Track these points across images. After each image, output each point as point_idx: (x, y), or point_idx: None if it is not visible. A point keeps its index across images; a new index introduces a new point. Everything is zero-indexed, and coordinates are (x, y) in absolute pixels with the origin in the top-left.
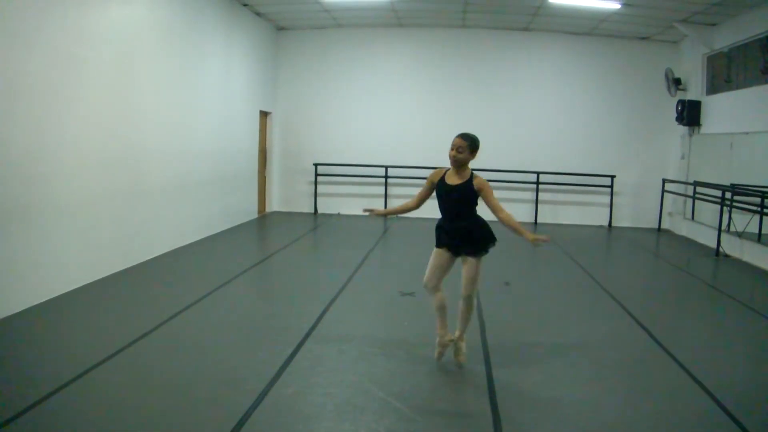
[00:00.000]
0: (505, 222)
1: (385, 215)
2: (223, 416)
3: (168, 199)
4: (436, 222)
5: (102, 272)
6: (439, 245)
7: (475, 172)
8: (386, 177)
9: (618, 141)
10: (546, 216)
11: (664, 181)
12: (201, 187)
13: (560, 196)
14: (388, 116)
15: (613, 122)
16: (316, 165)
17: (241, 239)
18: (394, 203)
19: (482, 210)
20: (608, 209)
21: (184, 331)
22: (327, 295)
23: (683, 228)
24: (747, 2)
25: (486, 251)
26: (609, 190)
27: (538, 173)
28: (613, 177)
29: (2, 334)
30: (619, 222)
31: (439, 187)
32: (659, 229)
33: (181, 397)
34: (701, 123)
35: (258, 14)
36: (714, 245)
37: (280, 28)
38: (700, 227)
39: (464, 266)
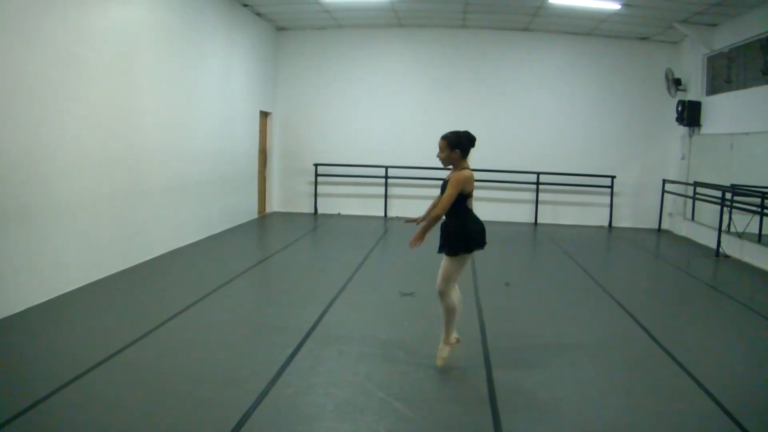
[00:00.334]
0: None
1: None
2: (224, 416)
3: (168, 200)
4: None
5: (102, 272)
6: None
7: (467, 169)
8: (386, 177)
9: (618, 141)
10: (546, 216)
11: (664, 181)
12: (201, 187)
13: (560, 197)
14: (388, 116)
15: (613, 123)
16: (316, 165)
17: (241, 239)
18: (395, 203)
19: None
20: (608, 209)
21: (184, 332)
22: (327, 295)
23: (683, 228)
24: (747, 2)
25: (452, 254)
26: (609, 190)
27: (538, 173)
28: (613, 177)
29: (2, 334)
30: (620, 222)
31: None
32: (659, 229)
33: (181, 397)
34: (701, 123)
35: (258, 14)
36: (714, 246)
37: (280, 29)
38: (701, 228)
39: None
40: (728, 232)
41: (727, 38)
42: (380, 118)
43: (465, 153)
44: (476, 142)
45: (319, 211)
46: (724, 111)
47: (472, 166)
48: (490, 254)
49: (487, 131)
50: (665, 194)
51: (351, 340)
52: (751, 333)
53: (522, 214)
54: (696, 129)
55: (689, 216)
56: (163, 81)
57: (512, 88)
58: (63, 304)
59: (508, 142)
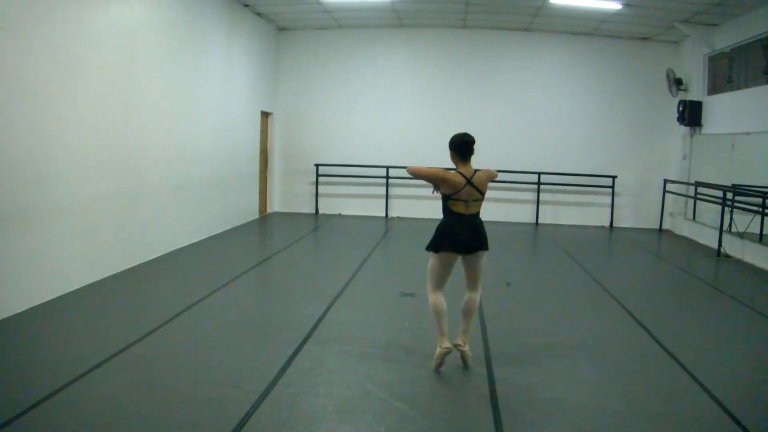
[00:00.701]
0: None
1: None
2: (224, 416)
3: (169, 200)
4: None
5: (103, 273)
6: None
7: (457, 171)
8: (387, 177)
9: (619, 141)
10: (547, 216)
11: (665, 181)
12: (202, 187)
13: (561, 197)
14: (388, 116)
15: (614, 123)
16: (317, 165)
17: (242, 240)
18: (396, 204)
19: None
20: (609, 210)
21: (185, 332)
22: (328, 295)
23: (684, 228)
24: (748, 2)
25: (427, 248)
26: (610, 190)
27: (539, 174)
28: (614, 177)
29: (2, 334)
30: (620, 222)
31: None
32: (660, 229)
33: (182, 397)
34: (702, 123)
35: (259, 15)
36: (715, 246)
37: (281, 29)
38: (702, 228)
39: None
40: (729, 232)
41: (728, 38)
42: (381, 118)
43: (458, 154)
44: (472, 145)
45: (320, 211)
46: (725, 111)
47: (475, 167)
48: (491, 254)
49: (488, 131)
50: (666, 194)
51: (352, 341)
52: (751, 333)
53: (523, 214)
54: (697, 129)
55: (690, 216)
56: (163, 81)
57: (513, 88)
58: (63, 305)
59: (508, 142)
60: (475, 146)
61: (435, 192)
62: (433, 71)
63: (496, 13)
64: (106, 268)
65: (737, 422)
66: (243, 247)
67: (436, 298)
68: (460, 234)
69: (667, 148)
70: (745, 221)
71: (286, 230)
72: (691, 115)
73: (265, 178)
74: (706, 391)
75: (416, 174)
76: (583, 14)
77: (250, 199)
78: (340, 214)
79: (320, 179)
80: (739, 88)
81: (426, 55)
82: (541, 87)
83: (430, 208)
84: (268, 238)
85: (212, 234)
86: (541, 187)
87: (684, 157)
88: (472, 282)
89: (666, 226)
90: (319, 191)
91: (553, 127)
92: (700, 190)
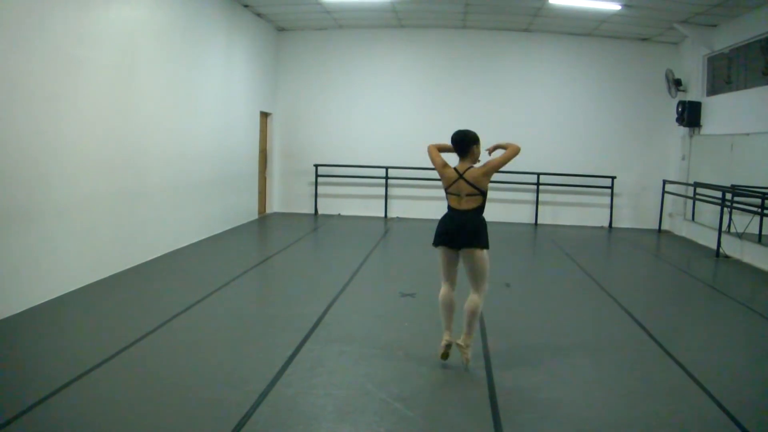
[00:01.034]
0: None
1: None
2: (224, 417)
3: (168, 200)
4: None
5: (102, 273)
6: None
7: (456, 166)
8: (386, 178)
9: (618, 142)
10: (546, 217)
11: (664, 182)
12: (201, 188)
13: (561, 197)
14: (388, 117)
15: (613, 123)
16: (316, 166)
17: (241, 240)
18: (395, 204)
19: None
20: (608, 210)
21: (185, 332)
22: (327, 296)
23: (683, 229)
24: (747, 3)
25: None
26: (609, 191)
27: (538, 174)
28: (613, 178)
29: (2, 334)
30: (620, 223)
31: None
32: (660, 230)
33: (182, 397)
34: (701, 124)
35: (258, 15)
36: (714, 246)
37: (281, 29)
38: (701, 228)
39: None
40: (728, 232)
41: (727, 39)
42: (380, 118)
43: (456, 150)
44: (467, 143)
45: (320, 211)
46: (724, 111)
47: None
48: (491, 255)
49: (487, 131)
50: (665, 195)
51: (351, 341)
52: (751, 333)
53: (522, 214)
54: (696, 129)
55: (689, 216)
56: (163, 82)
57: (512, 89)
58: (63, 305)
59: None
60: (472, 144)
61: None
62: (432, 71)
63: (496, 14)
64: (105, 268)
65: (736, 422)
66: (242, 247)
67: (442, 292)
68: (448, 227)
69: (666, 148)
70: (744, 222)
71: (286, 230)
72: (690, 115)
73: (265, 179)
74: (705, 391)
75: (428, 153)
76: (583, 15)
77: (249, 200)
78: (339, 214)
79: (320, 179)
80: (738, 88)
81: (425, 56)
82: (541, 87)
83: (429, 208)
84: (268, 238)
85: (212, 234)
86: (541, 187)
87: (683, 158)
88: (471, 281)
89: (665, 226)
90: (319, 191)
91: (553, 128)
92: (699, 190)
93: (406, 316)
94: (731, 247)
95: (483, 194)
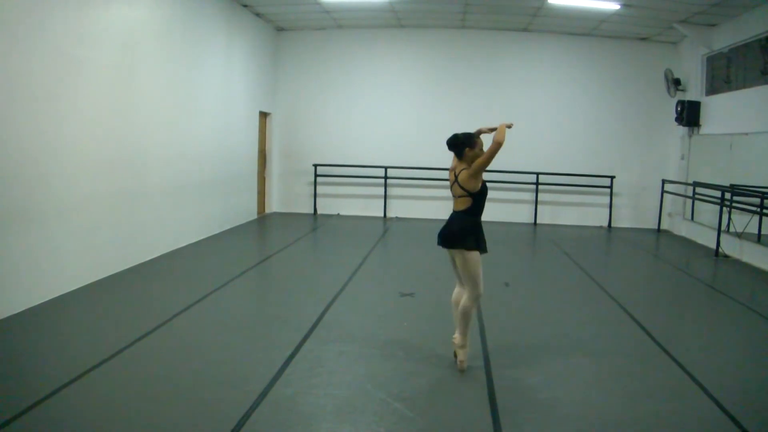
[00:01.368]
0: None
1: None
2: (223, 416)
3: (168, 200)
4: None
5: (102, 273)
6: (478, 248)
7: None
8: (386, 178)
9: (617, 142)
10: (546, 217)
11: (663, 181)
12: (201, 187)
13: (560, 197)
14: (387, 117)
15: (612, 123)
16: (315, 166)
17: (240, 240)
18: (394, 204)
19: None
20: (608, 210)
21: (184, 332)
22: (327, 295)
23: (683, 228)
24: (746, 3)
25: None
26: (608, 190)
27: (537, 174)
28: (612, 177)
29: (2, 334)
30: (619, 223)
31: (485, 186)
32: (659, 229)
33: (181, 397)
34: (701, 123)
35: (258, 15)
36: (713, 246)
37: (280, 29)
38: (700, 228)
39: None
40: (728, 232)
41: (726, 38)
42: (379, 118)
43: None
44: (456, 146)
45: (319, 211)
46: (723, 111)
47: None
48: (490, 254)
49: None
50: (665, 194)
51: (351, 341)
52: (750, 333)
53: (521, 214)
54: (695, 129)
55: (689, 216)
56: (162, 82)
57: (511, 89)
58: (63, 305)
59: (507, 142)
60: (464, 147)
61: None
62: (431, 71)
63: (495, 14)
64: (105, 267)
65: (735, 422)
66: (242, 247)
67: (454, 291)
68: (442, 228)
69: (665, 148)
70: (744, 221)
71: (285, 230)
72: (689, 115)
73: (264, 179)
74: (705, 390)
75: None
76: (582, 14)
77: (248, 200)
78: (338, 214)
79: (319, 179)
80: (737, 88)
81: (425, 56)
82: (540, 87)
83: (428, 208)
84: (267, 238)
85: (211, 234)
86: (540, 187)
87: (682, 158)
88: (463, 281)
89: (664, 226)
90: (318, 191)
91: (552, 128)
92: (699, 190)
93: (406, 316)
94: (730, 247)
95: (471, 196)
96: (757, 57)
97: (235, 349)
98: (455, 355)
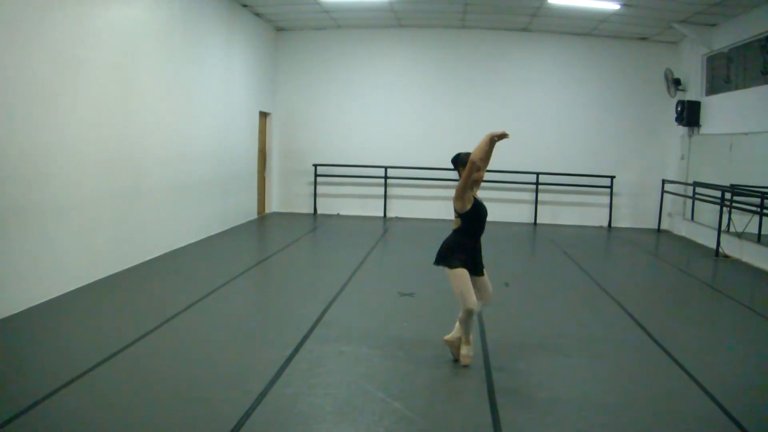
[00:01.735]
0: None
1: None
2: (223, 416)
3: (167, 200)
4: (454, 236)
5: (101, 273)
6: (464, 265)
7: None
8: (386, 178)
9: (617, 142)
10: (545, 217)
11: (663, 181)
12: (200, 187)
13: (560, 197)
14: (387, 117)
15: (612, 123)
16: (315, 166)
17: (240, 240)
18: (394, 204)
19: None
20: (608, 210)
21: (184, 332)
22: (327, 295)
23: (683, 228)
24: (746, 3)
25: None
26: (608, 190)
27: (537, 174)
28: (612, 177)
29: (2, 334)
30: (619, 222)
31: (480, 204)
32: (659, 229)
33: (181, 397)
34: (701, 123)
35: (257, 15)
36: (714, 246)
37: (280, 29)
38: (700, 228)
39: (483, 282)
40: (728, 232)
41: (726, 38)
42: (379, 118)
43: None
44: (454, 163)
45: (319, 211)
46: (723, 111)
47: None
48: (489, 255)
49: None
50: (665, 194)
51: (351, 341)
52: (750, 333)
53: (521, 214)
54: (695, 129)
55: (689, 216)
56: (162, 81)
57: (511, 88)
58: (63, 304)
59: (507, 142)
60: (456, 166)
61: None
62: (431, 71)
63: (495, 14)
64: (105, 267)
65: (735, 422)
66: (241, 247)
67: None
68: None
69: (665, 148)
70: (744, 221)
71: (285, 230)
72: (689, 115)
73: (264, 179)
74: (704, 390)
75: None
76: (582, 14)
77: (248, 200)
78: (338, 214)
79: (319, 179)
80: (737, 88)
81: (424, 56)
82: (540, 87)
83: (428, 208)
84: (267, 238)
85: (211, 234)
86: (540, 187)
87: (682, 158)
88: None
89: (664, 226)
90: (318, 191)
91: (552, 127)
92: (699, 190)
93: (405, 316)
94: (730, 247)
95: (460, 216)
96: (757, 57)
97: (235, 349)
98: (452, 354)
